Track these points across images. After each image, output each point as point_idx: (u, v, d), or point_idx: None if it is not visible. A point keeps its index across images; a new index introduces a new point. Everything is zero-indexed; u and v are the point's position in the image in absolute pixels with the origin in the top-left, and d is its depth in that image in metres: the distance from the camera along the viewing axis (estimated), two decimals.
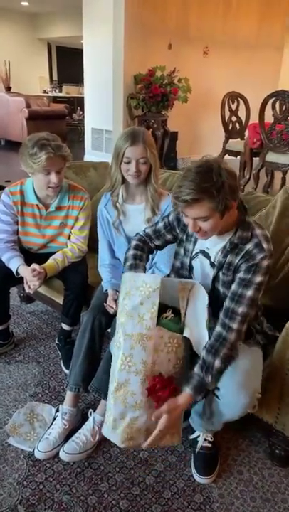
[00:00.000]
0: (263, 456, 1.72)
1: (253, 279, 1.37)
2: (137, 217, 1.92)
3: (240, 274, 1.39)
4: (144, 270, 1.62)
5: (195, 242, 1.56)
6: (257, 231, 1.40)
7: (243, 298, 1.38)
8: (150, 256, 1.77)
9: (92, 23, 5.76)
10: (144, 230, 1.71)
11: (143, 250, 1.66)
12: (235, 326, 1.38)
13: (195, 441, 1.68)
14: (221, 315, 1.41)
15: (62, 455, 1.65)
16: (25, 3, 9.75)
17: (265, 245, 1.37)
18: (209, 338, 1.40)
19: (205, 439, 1.66)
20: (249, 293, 1.37)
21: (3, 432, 1.77)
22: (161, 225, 1.67)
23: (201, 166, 1.30)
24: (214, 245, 1.48)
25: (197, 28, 6.17)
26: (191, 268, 1.59)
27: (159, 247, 1.71)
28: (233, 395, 1.38)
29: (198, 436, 1.67)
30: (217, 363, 1.36)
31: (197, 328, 1.43)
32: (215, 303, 1.47)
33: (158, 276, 1.46)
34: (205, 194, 1.27)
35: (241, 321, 1.38)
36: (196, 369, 1.39)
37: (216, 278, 1.49)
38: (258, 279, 1.37)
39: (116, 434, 1.37)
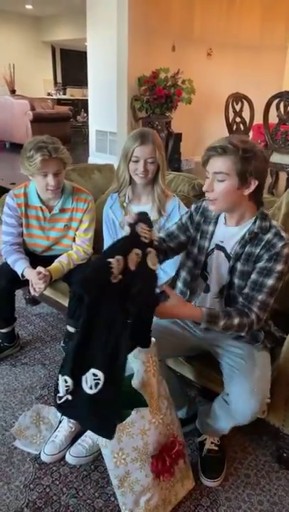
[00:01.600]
0: (270, 459, 1.71)
1: (274, 268, 1.38)
2: None
3: (261, 264, 1.41)
4: None
5: (210, 239, 1.57)
6: (273, 222, 1.45)
7: (264, 287, 1.39)
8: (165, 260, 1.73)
9: (96, 25, 5.77)
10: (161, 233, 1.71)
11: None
12: (255, 309, 1.39)
13: (202, 444, 1.68)
14: (241, 299, 1.44)
15: (69, 458, 1.65)
16: (30, 7, 9.78)
17: (284, 234, 1.40)
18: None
19: (212, 442, 1.65)
20: (270, 282, 1.39)
21: (9, 435, 1.77)
22: (174, 227, 1.69)
23: (246, 139, 1.42)
24: (231, 237, 1.50)
25: (200, 29, 6.16)
26: (205, 265, 1.59)
27: (173, 250, 1.67)
28: (244, 401, 1.38)
29: (205, 439, 1.66)
30: (235, 321, 1.37)
31: None
32: (227, 299, 1.52)
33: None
34: (233, 151, 1.33)
35: (260, 308, 1.39)
36: (220, 308, 1.44)
37: (232, 270, 1.49)
38: (279, 267, 1.38)
39: None
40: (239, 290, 1.48)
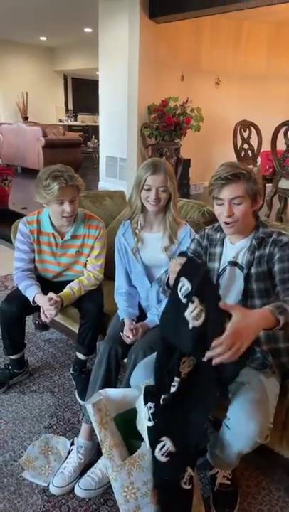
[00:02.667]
0: (284, 494, 1.66)
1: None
2: (154, 245, 1.93)
3: (278, 255, 1.50)
4: None
5: (220, 259, 1.64)
6: (271, 228, 1.60)
7: None
8: None
9: (108, 56, 5.95)
10: None
11: None
12: None
13: (213, 477, 1.63)
14: (282, 295, 1.43)
15: (78, 491, 1.61)
16: (44, 38, 10.13)
17: (285, 232, 1.57)
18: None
19: (223, 476, 1.61)
20: None
21: (17, 465, 1.74)
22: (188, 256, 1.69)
23: (243, 164, 1.55)
24: (241, 250, 1.59)
25: (208, 60, 6.32)
26: (218, 278, 1.64)
27: None
28: (242, 424, 1.36)
29: (217, 472, 1.62)
30: None
31: None
32: (244, 302, 1.55)
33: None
34: (241, 175, 1.48)
35: None
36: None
37: (247, 277, 1.54)
38: None
39: None
40: (259, 294, 1.54)
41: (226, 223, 1.54)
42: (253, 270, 1.54)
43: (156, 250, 1.93)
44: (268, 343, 1.54)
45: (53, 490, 1.63)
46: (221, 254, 1.65)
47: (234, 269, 1.60)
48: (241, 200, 1.49)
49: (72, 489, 1.64)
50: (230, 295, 1.60)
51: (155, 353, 1.63)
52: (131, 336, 1.80)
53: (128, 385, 1.62)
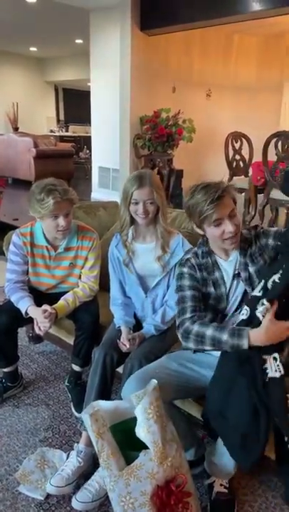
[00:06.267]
0: (280, 501, 1.67)
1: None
2: (147, 256, 1.95)
3: (268, 240, 1.59)
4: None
5: (224, 282, 1.64)
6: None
7: None
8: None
9: (100, 67, 6.00)
10: (183, 309, 1.60)
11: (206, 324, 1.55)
12: None
13: (211, 486, 1.63)
14: None
15: (75, 504, 1.60)
16: (34, 49, 10.19)
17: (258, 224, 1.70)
18: None
19: (221, 485, 1.61)
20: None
21: (13, 480, 1.72)
22: (189, 294, 1.61)
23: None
24: (236, 261, 1.62)
25: (199, 72, 6.40)
26: (228, 296, 1.65)
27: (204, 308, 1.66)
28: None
29: (214, 481, 1.63)
30: None
31: None
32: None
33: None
34: (225, 189, 1.52)
35: None
36: None
37: (248, 278, 1.58)
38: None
39: None
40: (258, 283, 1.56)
41: (231, 238, 1.53)
42: (250, 269, 1.59)
43: (150, 260, 1.94)
44: None
45: (50, 489, 1.64)
46: (222, 277, 1.63)
47: (239, 280, 1.62)
48: (235, 211, 1.54)
49: (69, 492, 1.64)
50: (236, 304, 1.63)
51: (147, 366, 1.65)
52: (128, 345, 1.81)
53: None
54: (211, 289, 1.63)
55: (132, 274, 1.98)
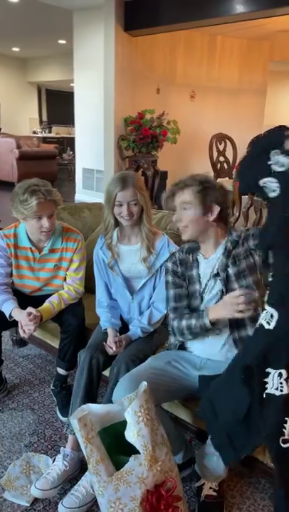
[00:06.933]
0: (268, 503, 1.67)
1: None
2: (132, 257, 1.94)
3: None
4: None
5: (199, 279, 1.66)
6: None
7: None
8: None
9: (83, 67, 5.97)
10: (169, 310, 1.73)
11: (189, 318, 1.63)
12: None
13: (200, 489, 1.62)
14: None
15: (62, 510, 1.57)
16: (16, 49, 10.08)
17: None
18: None
19: (210, 488, 1.60)
20: None
21: None
22: (171, 294, 1.72)
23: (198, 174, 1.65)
24: (215, 261, 1.63)
25: (183, 74, 6.43)
26: (202, 294, 1.66)
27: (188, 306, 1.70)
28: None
29: (203, 484, 1.61)
30: None
31: None
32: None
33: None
34: (193, 183, 1.59)
35: None
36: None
37: (226, 279, 1.58)
38: None
39: None
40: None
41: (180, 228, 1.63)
42: (230, 271, 1.58)
43: (135, 262, 1.93)
44: None
45: (35, 492, 1.61)
46: (198, 274, 1.66)
47: (217, 279, 1.62)
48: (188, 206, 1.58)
49: (54, 496, 1.61)
50: (213, 302, 1.62)
51: (136, 368, 1.64)
52: (114, 348, 1.79)
53: (110, 401, 1.60)
54: (186, 284, 1.69)
55: (117, 276, 1.96)
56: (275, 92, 7.39)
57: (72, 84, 6.30)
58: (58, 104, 12.48)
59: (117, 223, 1.91)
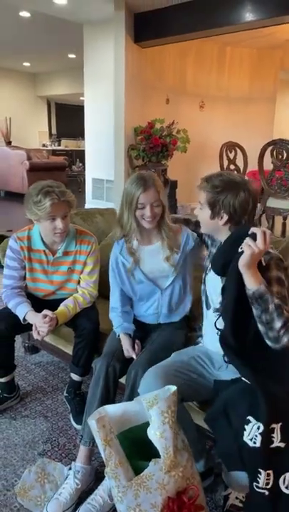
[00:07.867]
0: None
1: None
2: (154, 257, 1.86)
3: None
4: None
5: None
6: None
7: None
8: None
9: (94, 80, 6.05)
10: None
11: None
12: None
13: (226, 498, 1.55)
14: None
15: None
16: (27, 64, 10.26)
17: None
18: None
19: (236, 498, 1.52)
20: None
21: (11, 495, 1.63)
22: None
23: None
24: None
25: (193, 84, 6.47)
26: (205, 282, 1.72)
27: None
28: None
29: (230, 493, 1.54)
30: None
31: None
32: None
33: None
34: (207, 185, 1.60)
35: None
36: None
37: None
38: None
39: None
40: None
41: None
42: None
43: (158, 261, 1.85)
44: None
45: None
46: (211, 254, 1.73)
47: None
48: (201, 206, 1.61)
49: None
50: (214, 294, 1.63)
51: (160, 363, 1.60)
52: (134, 356, 1.74)
53: None
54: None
55: (137, 282, 1.88)
56: (285, 100, 7.39)
57: (81, 98, 6.36)
58: (67, 118, 12.63)
59: (137, 227, 1.85)
